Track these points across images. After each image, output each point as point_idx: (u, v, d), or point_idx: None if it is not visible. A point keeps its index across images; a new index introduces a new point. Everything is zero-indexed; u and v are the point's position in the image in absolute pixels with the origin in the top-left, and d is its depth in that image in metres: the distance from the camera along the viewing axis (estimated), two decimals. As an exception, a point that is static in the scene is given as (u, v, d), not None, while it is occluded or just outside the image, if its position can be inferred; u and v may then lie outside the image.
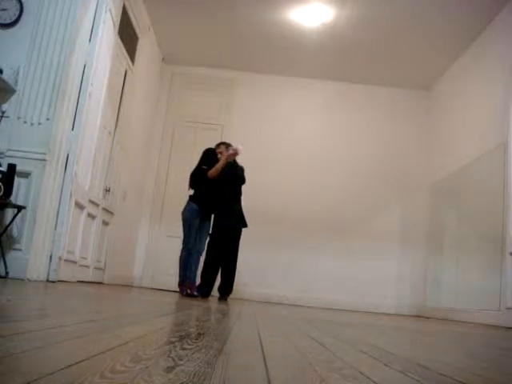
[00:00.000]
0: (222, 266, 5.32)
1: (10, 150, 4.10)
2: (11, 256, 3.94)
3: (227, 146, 5.45)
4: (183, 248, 5.24)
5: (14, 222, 3.94)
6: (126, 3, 5.63)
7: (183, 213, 5.29)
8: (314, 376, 0.91)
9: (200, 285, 5.27)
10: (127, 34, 5.92)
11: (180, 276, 5.27)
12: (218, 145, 5.55)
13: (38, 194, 4.07)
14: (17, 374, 0.66)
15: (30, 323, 1.29)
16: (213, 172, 5.27)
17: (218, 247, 5.26)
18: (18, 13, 4.28)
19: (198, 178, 5.36)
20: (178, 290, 5.40)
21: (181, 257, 5.23)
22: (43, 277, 4.13)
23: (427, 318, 6.42)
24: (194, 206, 5.24)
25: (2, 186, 3.77)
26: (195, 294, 5.19)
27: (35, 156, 4.10)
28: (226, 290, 5.31)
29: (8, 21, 4.28)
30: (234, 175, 5.34)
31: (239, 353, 1.22)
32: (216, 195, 5.31)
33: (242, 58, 7.42)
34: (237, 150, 5.26)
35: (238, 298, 6.59)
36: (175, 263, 5.32)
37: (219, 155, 5.35)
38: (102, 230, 5.77)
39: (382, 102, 7.73)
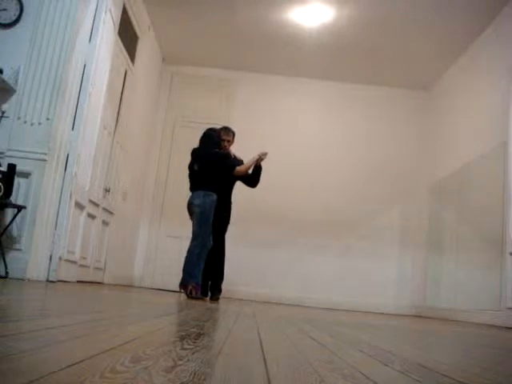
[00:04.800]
0: (212, 264, 4.88)
1: (10, 149, 4.11)
2: (11, 256, 3.94)
3: (234, 134, 5.10)
4: (199, 244, 4.64)
5: (14, 222, 3.94)
6: (126, 3, 5.63)
7: (203, 204, 4.68)
8: (314, 376, 0.91)
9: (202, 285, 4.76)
10: (127, 34, 5.92)
11: (194, 275, 4.59)
12: (227, 132, 5.07)
13: (38, 194, 4.07)
14: (17, 374, 0.66)
15: (31, 323, 1.29)
16: (243, 170, 4.87)
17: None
18: (18, 13, 4.28)
19: (223, 166, 4.82)
20: (181, 290, 4.78)
21: (197, 254, 4.61)
22: (43, 277, 4.13)
23: (427, 317, 6.42)
24: (214, 196, 4.72)
25: (2, 186, 3.77)
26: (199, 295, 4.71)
27: (35, 156, 4.10)
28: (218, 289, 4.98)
29: (8, 21, 4.28)
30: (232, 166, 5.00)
31: (239, 353, 1.22)
32: (228, 188, 5.00)
33: (242, 57, 7.42)
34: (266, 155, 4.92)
35: (238, 297, 6.59)
36: (175, 263, 5.10)
37: (225, 143, 5.00)
38: (102, 229, 5.76)
39: (382, 102, 7.73)
